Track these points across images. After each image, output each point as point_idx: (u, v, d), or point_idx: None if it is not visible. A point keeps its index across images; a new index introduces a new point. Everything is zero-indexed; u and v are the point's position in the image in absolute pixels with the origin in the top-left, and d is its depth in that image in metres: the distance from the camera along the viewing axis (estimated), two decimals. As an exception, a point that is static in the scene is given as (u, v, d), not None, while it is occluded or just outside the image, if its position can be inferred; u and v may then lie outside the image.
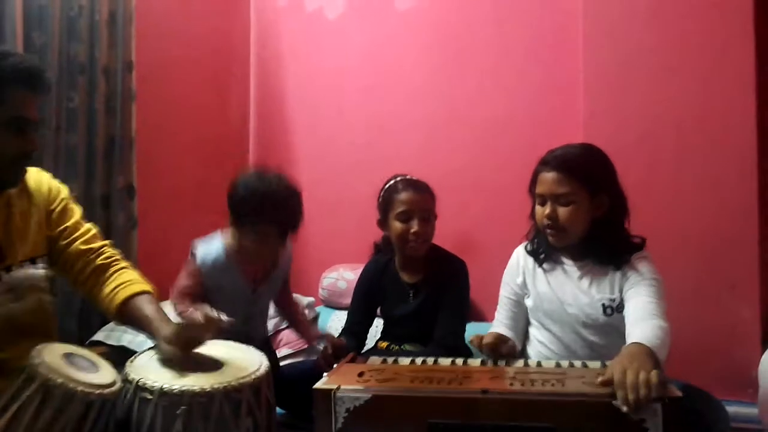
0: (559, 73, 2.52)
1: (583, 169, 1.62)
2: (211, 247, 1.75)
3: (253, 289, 1.78)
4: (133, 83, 2.53)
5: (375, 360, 1.53)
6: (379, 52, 2.93)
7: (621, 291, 1.61)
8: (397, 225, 1.94)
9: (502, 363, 1.49)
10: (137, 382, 1.27)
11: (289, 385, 1.66)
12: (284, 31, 3.18)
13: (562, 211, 1.61)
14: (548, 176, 1.63)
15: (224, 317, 1.37)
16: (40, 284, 1.46)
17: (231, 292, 1.71)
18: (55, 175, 1.59)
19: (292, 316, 1.98)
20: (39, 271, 1.46)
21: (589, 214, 1.63)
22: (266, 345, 1.85)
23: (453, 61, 2.76)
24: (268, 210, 1.64)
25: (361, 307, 2.08)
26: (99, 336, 2.29)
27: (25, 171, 1.44)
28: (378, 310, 2.10)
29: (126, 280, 1.52)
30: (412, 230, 1.91)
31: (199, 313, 1.38)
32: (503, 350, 1.56)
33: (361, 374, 1.37)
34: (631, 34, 2.32)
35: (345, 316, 2.14)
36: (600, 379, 1.22)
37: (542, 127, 2.53)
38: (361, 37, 2.97)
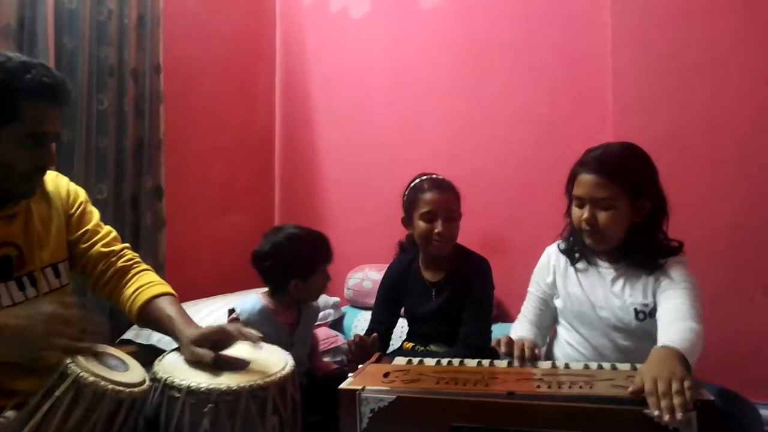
0: (587, 70, 2.49)
1: (625, 173, 1.56)
2: (251, 304, 1.87)
3: (290, 333, 1.86)
4: (161, 85, 2.56)
5: (401, 360, 1.52)
6: (403, 51, 2.92)
7: (654, 296, 1.58)
8: (421, 224, 1.93)
9: (529, 364, 1.47)
10: (165, 380, 1.29)
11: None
12: (309, 32, 3.19)
13: (602, 216, 1.57)
14: (588, 179, 1.57)
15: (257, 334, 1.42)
16: None
17: (276, 340, 1.74)
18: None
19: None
20: None
21: (629, 218, 1.59)
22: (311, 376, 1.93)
23: (478, 60, 2.74)
24: (325, 249, 1.89)
25: (385, 306, 2.07)
26: (129, 334, 2.33)
27: (40, 183, 1.42)
28: (402, 310, 2.10)
29: (147, 282, 1.52)
30: (436, 230, 1.90)
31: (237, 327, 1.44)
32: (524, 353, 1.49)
33: (386, 375, 1.37)
34: (660, 31, 2.28)
35: (370, 316, 2.14)
36: (630, 389, 1.18)
37: (569, 125, 2.49)
38: (386, 36, 2.97)
